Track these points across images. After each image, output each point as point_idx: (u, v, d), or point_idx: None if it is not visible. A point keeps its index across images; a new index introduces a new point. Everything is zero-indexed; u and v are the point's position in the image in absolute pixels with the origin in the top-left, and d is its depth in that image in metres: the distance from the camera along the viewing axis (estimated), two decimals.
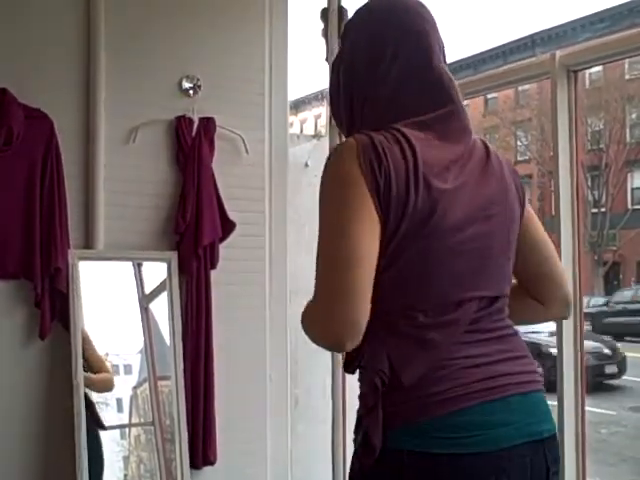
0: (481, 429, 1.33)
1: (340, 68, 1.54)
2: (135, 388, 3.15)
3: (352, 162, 1.34)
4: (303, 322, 1.40)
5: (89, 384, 2.96)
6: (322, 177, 1.39)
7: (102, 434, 3.00)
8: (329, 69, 1.56)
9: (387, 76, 1.46)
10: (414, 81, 1.46)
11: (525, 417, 1.38)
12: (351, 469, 1.41)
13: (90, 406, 2.94)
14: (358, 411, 1.41)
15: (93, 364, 3.00)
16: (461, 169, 1.41)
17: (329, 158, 1.40)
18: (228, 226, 3.16)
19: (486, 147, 1.51)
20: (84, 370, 2.92)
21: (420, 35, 1.47)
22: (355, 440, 1.40)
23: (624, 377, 11.22)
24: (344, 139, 1.46)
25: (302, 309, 1.42)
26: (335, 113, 1.59)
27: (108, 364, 3.06)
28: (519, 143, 26.00)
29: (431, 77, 1.46)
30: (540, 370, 1.51)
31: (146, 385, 3.13)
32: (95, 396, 2.99)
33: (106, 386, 3.06)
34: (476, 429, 1.32)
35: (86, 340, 2.96)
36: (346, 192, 1.34)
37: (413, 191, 1.34)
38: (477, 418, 1.33)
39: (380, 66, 1.46)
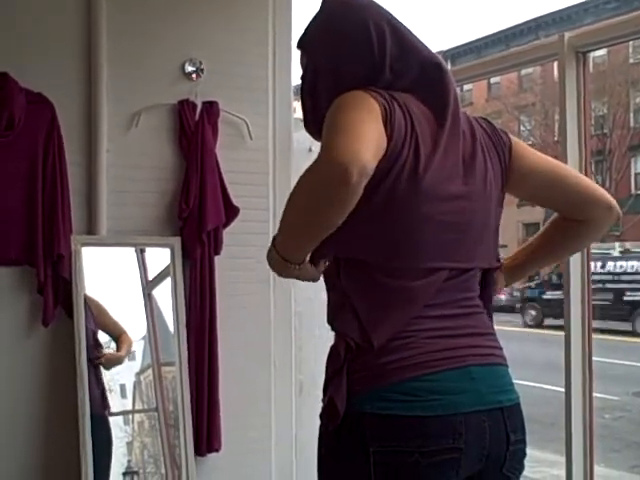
0: (440, 394, 1.37)
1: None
2: (139, 374, 3.14)
3: (365, 95, 1.38)
4: (300, 184, 1.33)
5: (120, 351, 3.06)
6: (329, 110, 1.37)
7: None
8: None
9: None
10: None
11: (485, 386, 1.42)
12: (319, 429, 1.46)
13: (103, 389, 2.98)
14: (325, 374, 1.47)
15: (114, 329, 3.06)
16: (447, 140, 1.43)
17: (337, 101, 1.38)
18: (232, 211, 3.14)
19: (467, 117, 1.53)
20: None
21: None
22: (322, 402, 1.45)
23: None
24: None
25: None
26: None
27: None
28: (522, 128, 25.87)
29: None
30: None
31: (150, 371, 3.12)
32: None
33: (131, 346, 3.10)
34: (436, 394, 1.36)
35: (99, 308, 3.00)
36: (360, 105, 1.35)
37: (407, 147, 1.38)
38: (437, 384, 1.37)
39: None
